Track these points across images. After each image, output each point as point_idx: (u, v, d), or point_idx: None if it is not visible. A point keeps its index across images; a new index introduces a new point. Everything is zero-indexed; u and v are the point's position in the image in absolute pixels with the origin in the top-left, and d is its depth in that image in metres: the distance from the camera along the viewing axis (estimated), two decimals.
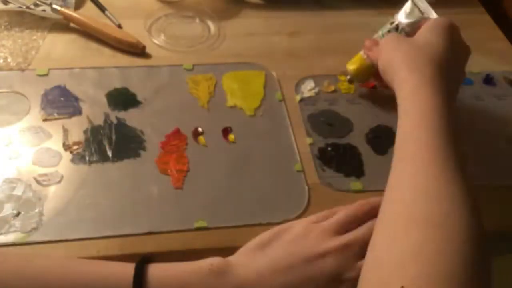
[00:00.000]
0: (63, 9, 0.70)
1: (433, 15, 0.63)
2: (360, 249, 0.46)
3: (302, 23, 0.77)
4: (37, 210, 0.51)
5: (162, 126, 0.60)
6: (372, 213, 0.49)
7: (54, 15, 0.71)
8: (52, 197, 0.52)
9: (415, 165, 0.44)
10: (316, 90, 0.66)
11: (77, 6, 0.75)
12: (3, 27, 0.70)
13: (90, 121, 0.60)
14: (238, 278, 0.44)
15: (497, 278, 0.68)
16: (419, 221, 0.40)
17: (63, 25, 0.72)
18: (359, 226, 0.49)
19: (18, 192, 0.52)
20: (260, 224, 0.52)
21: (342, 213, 0.50)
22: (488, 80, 0.70)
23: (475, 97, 0.68)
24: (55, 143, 0.57)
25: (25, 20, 0.71)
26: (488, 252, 0.41)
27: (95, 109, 0.61)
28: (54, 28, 0.71)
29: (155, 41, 0.71)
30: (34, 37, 0.69)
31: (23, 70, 0.65)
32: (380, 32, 0.65)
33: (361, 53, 0.64)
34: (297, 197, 0.55)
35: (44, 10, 0.71)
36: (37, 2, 0.72)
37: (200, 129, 0.60)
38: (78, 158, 0.56)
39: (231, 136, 0.60)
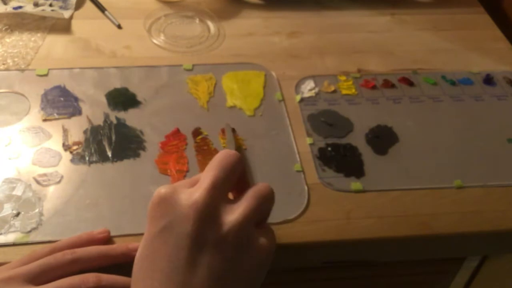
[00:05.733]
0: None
1: None
2: None
3: (302, 23, 0.77)
4: (37, 210, 0.51)
5: (162, 126, 0.60)
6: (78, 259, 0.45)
7: (54, 15, 0.71)
8: (52, 197, 0.52)
9: None
10: (316, 90, 0.66)
11: (77, 6, 0.75)
12: (3, 28, 0.70)
13: (90, 121, 0.60)
14: None
15: (497, 278, 0.68)
16: None
17: (63, 25, 0.72)
18: (60, 275, 0.44)
19: (18, 192, 0.52)
20: None
21: (37, 262, 0.44)
22: (488, 80, 0.70)
23: (475, 97, 0.68)
24: (55, 143, 0.57)
25: (24, 21, 0.71)
26: None
27: (95, 109, 0.61)
28: (54, 28, 0.71)
29: (155, 41, 0.71)
30: (34, 38, 0.69)
31: (22, 70, 0.65)
32: None
33: None
34: (297, 197, 0.55)
35: (44, 11, 0.71)
36: (37, 1, 0.72)
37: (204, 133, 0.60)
38: (77, 158, 0.56)
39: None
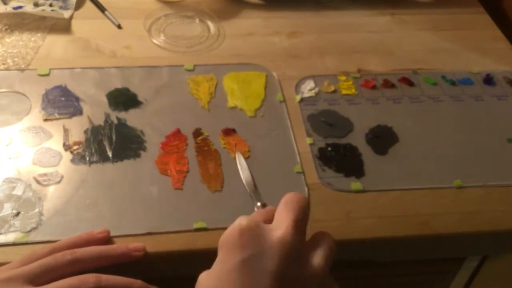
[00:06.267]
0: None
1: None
2: None
3: (302, 23, 0.77)
4: (36, 210, 0.51)
5: (162, 127, 0.60)
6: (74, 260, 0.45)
7: (54, 15, 0.71)
8: (52, 197, 0.53)
9: None
10: (316, 90, 0.66)
11: (77, 6, 0.75)
12: (3, 28, 0.70)
13: (90, 121, 0.60)
14: None
15: (497, 278, 0.68)
16: None
17: (63, 25, 0.72)
18: (60, 275, 0.44)
19: (18, 192, 0.53)
20: None
21: (37, 263, 0.44)
22: (488, 80, 0.70)
23: (475, 97, 0.68)
24: (56, 143, 0.57)
25: (24, 21, 0.71)
26: None
27: (96, 109, 0.61)
28: (54, 28, 0.71)
29: (155, 41, 0.71)
30: (34, 38, 0.69)
31: (22, 70, 0.65)
32: None
33: None
34: None
35: (44, 11, 0.71)
36: (37, 1, 0.72)
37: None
38: (78, 158, 0.56)
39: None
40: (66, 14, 0.72)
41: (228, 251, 0.39)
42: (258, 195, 0.54)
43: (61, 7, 0.73)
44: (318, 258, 0.40)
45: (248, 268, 0.37)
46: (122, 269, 0.49)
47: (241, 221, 0.40)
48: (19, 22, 0.71)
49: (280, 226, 0.40)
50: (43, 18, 0.72)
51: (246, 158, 0.58)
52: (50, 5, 0.73)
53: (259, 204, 0.53)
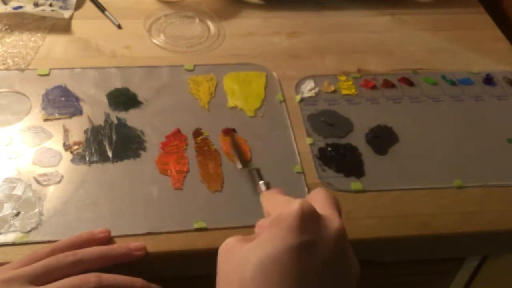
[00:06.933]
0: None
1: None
2: None
3: (302, 23, 0.77)
4: (36, 210, 0.51)
5: (163, 127, 0.60)
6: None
7: (54, 15, 0.71)
8: (52, 197, 0.53)
9: None
10: (316, 90, 0.66)
11: (77, 6, 0.75)
12: (3, 28, 0.70)
13: (90, 121, 0.60)
14: None
15: (497, 278, 0.68)
16: None
17: (63, 25, 0.72)
18: (62, 275, 0.44)
19: (18, 192, 0.53)
20: None
21: (39, 263, 0.44)
22: (488, 80, 0.70)
23: (475, 97, 0.68)
24: (56, 143, 0.57)
25: (24, 21, 0.71)
26: None
27: (96, 109, 0.61)
28: (54, 28, 0.71)
29: (155, 41, 0.71)
30: (34, 38, 0.69)
31: (22, 70, 0.65)
32: None
33: None
34: (297, 198, 0.55)
35: (44, 10, 0.71)
36: (38, 1, 0.72)
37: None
38: (78, 158, 0.56)
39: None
40: (66, 14, 0.72)
41: (292, 230, 0.36)
42: (259, 173, 0.54)
43: (61, 7, 0.73)
44: (355, 258, 0.40)
45: (307, 252, 0.36)
46: (122, 268, 0.49)
47: (302, 203, 0.38)
48: (19, 22, 0.71)
49: (333, 219, 0.39)
50: (43, 18, 0.72)
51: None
52: (50, 5, 0.73)
53: (262, 182, 0.51)
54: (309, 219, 0.37)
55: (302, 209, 0.37)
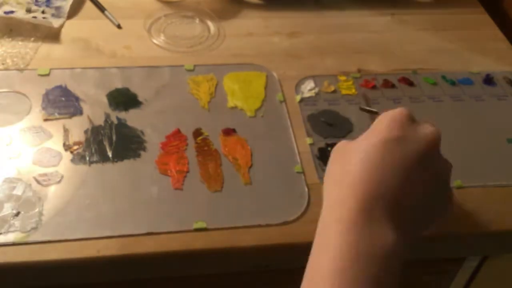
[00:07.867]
0: None
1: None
2: None
3: (302, 23, 0.77)
4: (36, 210, 0.51)
5: (163, 127, 0.60)
6: None
7: (44, 23, 0.70)
8: (52, 197, 0.53)
9: None
10: (316, 90, 0.66)
11: (76, 6, 0.75)
12: (2, 29, 0.70)
13: (90, 121, 0.60)
14: None
15: (497, 278, 0.68)
16: None
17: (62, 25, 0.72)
18: None
19: (18, 191, 0.53)
20: (259, 225, 0.52)
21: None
22: (488, 80, 0.70)
23: (475, 97, 0.68)
24: (56, 143, 0.57)
25: (24, 21, 0.71)
26: None
27: (96, 109, 0.61)
28: (53, 28, 0.71)
29: (155, 41, 0.71)
30: (33, 38, 0.69)
31: (22, 70, 0.65)
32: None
33: None
34: (297, 198, 0.55)
35: (35, 17, 0.70)
36: (30, 8, 0.72)
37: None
38: (78, 158, 0.56)
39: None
40: (56, 23, 0.70)
41: (390, 124, 0.44)
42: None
43: (53, 15, 0.72)
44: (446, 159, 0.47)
45: (401, 145, 0.43)
46: (122, 268, 0.50)
47: (400, 108, 0.45)
48: (19, 22, 0.71)
49: (427, 126, 0.45)
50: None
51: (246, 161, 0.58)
52: (43, 11, 0.72)
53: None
54: (405, 120, 0.44)
55: (400, 111, 0.45)
